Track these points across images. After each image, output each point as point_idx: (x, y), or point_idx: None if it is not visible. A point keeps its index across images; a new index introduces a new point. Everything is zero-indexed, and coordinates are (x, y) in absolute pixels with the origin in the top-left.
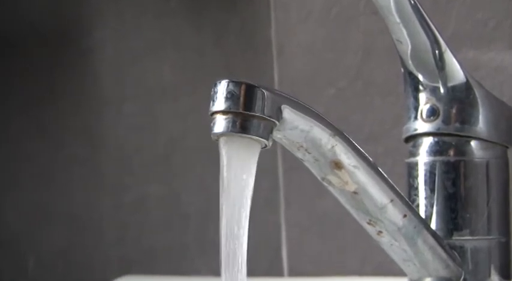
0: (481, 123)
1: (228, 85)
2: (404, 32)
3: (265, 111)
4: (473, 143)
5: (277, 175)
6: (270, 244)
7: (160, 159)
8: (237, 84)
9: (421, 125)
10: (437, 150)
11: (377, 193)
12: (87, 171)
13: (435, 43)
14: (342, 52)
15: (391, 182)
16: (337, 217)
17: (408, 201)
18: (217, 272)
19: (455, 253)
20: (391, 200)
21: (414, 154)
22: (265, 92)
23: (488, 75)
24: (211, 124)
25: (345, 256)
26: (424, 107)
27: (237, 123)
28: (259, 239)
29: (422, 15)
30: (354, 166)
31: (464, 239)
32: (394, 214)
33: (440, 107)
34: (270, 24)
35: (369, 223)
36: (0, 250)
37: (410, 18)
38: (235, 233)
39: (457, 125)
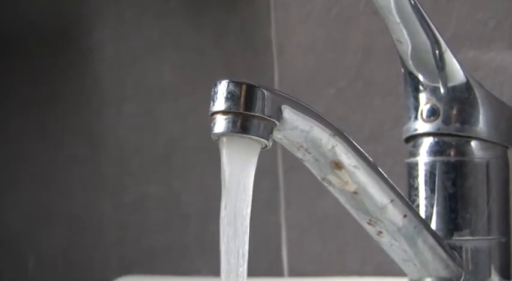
0: (481, 123)
1: (228, 85)
2: (405, 32)
3: (265, 112)
4: (473, 143)
5: (277, 175)
6: (270, 244)
7: (160, 159)
8: (237, 84)
9: (421, 125)
10: (437, 150)
11: (377, 193)
12: (87, 171)
13: (435, 43)
14: (342, 52)
15: (391, 182)
16: (337, 217)
17: (408, 201)
18: (217, 272)
19: (455, 253)
20: (391, 200)
21: (414, 154)
22: (266, 92)
23: (488, 75)
24: (211, 124)
25: (345, 256)
26: (424, 107)
27: (237, 123)
28: (260, 240)
29: (422, 15)
30: (354, 166)
31: (465, 240)
32: (394, 214)
33: (441, 107)
34: (270, 24)
35: (369, 223)
36: (0, 250)
37: (410, 18)
38: (235, 233)
39: (457, 125)
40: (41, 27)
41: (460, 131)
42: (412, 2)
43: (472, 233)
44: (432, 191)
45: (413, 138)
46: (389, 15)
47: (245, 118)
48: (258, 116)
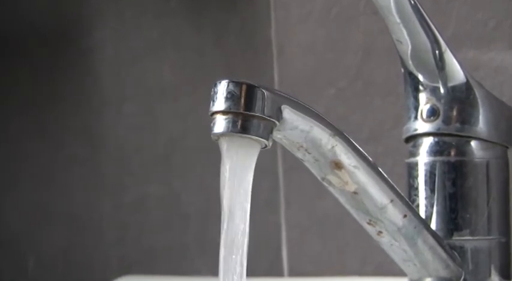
0: (481, 123)
1: (228, 85)
2: (404, 32)
3: (265, 112)
4: (473, 143)
5: (277, 175)
6: (270, 244)
7: (160, 159)
8: (237, 84)
9: (421, 125)
10: (437, 150)
11: (377, 193)
12: (87, 171)
13: (435, 43)
14: (342, 52)
15: (391, 182)
16: (337, 217)
17: (408, 201)
18: (217, 272)
19: (455, 253)
20: (391, 200)
21: (414, 154)
22: (265, 92)
23: (488, 75)
24: (211, 124)
25: (345, 256)
26: (424, 107)
27: (237, 123)
28: (260, 240)
29: (422, 15)
30: (354, 166)
31: (465, 239)
32: (394, 214)
33: (441, 107)
34: (270, 24)
35: (369, 223)
36: (0, 250)
37: (410, 18)
38: (235, 233)
39: (457, 125)
40: (41, 27)
41: (460, 131)
42: (412, 2)
43: (472, 233)
44: (432, 191)
45: (413, 138)
46: (389, 15)
47: (245, 118)
48: (258, 116)
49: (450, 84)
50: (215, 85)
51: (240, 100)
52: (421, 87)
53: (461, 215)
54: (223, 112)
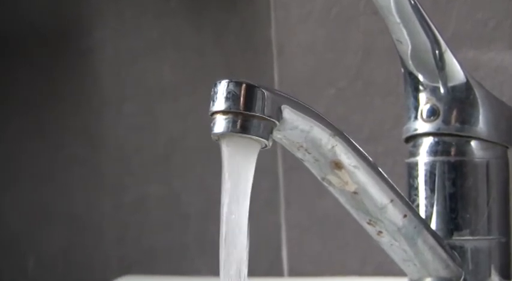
0: (481, 123)
1: (228, 85)
2: (404, 32)
3: (265, 111)
4: (473, 143)
5: (277, 175)
6: (270, 244)
7: (160, 159)
8: (237, 84)
9: (421, 125)
10: (437, 150)
11: (377, 193)
12: (87, 171)
13: (435, 43)
14: (342, 52)
15: (391, 182)
16: (337, 217)
17: (408, 201)
18: (217, 272)
19: (455, 253)
20: (391, 200)
21: (414, 154)
22: (265, 92)
23: (488, 75)
24: (211, 124)
25: (345, 256)
26: (424, 107)
27: (237, 123)
28: (260, 240)
29: (422, 15)
30: (354, 166)
31: (465, 239)
32: (394, 214)
33: (441, 107)
34: (270, 24)
35: (369, 223)
36: (0, 250)
37: (410, 18)
38: (235, 233)
39: (457, 125)
40: (41, 27)
41: (460, 131)
42: (412, 2)
43: (472, 233)
44: (432, 191)
45: (413, 138)
46: (389, 15)
47: (245, 118)
48: (258, 116)
49: (450, 84)
50: (215, 85)
51: (240, 100)
52: (421, 87)
53: (461, 215)
54: (223, 112)
